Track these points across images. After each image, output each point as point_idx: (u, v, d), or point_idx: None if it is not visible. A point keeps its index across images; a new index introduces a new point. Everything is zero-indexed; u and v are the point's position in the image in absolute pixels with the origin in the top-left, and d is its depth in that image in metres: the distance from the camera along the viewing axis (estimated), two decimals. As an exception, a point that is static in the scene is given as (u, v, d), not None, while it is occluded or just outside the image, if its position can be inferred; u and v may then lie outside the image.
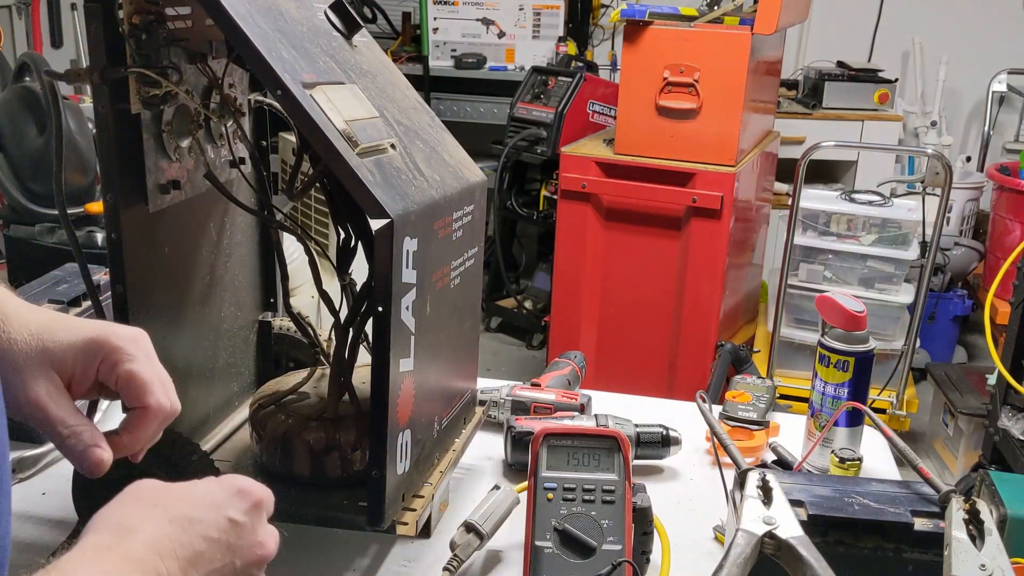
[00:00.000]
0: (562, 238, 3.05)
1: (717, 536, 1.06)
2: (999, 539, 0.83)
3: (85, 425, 0.70)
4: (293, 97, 0.82)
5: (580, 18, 4.47)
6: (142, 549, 0.57)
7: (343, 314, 0.99)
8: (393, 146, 0.92)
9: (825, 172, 3.92)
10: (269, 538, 0.65)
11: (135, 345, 0.73)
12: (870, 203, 3.09)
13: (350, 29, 1.02)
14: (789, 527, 0.82)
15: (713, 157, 2.78)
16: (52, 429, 0.70)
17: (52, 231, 3.06)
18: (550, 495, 0.92)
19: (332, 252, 1.02)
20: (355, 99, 0.92)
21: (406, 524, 0.92)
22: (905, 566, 0.90)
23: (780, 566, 0.81)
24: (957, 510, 0.86)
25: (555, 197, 3.30)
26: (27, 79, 3.15)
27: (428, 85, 4.29)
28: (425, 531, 1.05)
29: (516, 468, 1.20)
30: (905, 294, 3.06)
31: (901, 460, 1.06)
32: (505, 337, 4.06)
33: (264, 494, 0.65)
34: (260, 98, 1.09)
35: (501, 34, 4.40)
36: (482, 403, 1.23)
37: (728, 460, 0.98)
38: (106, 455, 0.70)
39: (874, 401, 2.97)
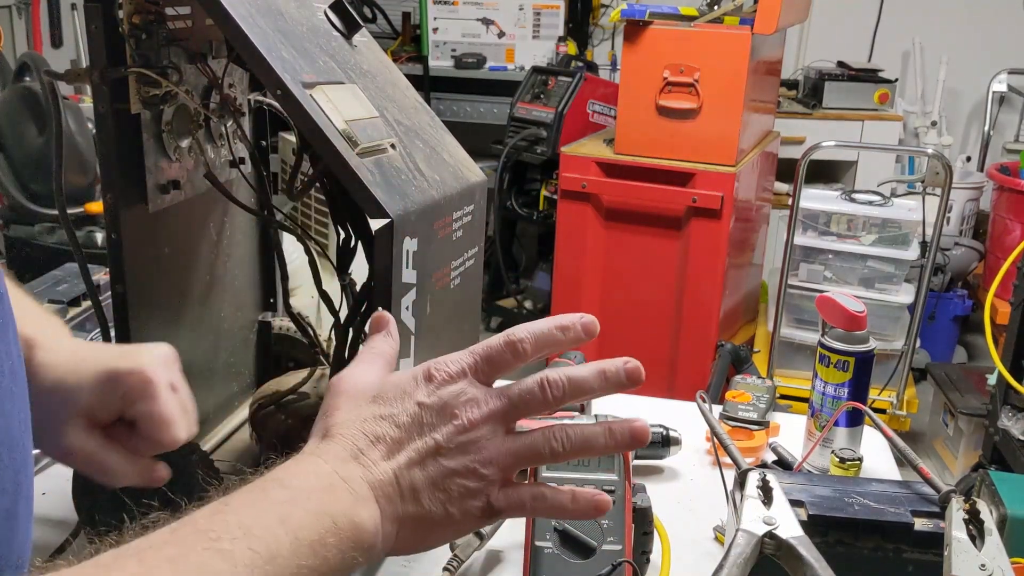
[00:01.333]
0: (562, 238, 3.05)
1: (717, 536, 1.06)
2: (999, 539, 0.83)
3: (128, 461, 0.77)
4: (293, 97, 0.82)
5: (580, 18, 4.46)
6: (338, 449, 0.63)
7: (343, 314, 0.99)
8: (393, 146, 0.92)
9: (825, 172, 3.91)
10: (469, 409, 0.65)
11: (154, 378, 0.75)
12: (870, 203, 3.09)
13: (350, 29, 1.02)
14: (789, 527, 0.82)
15: (713, 157, 2.78)
16: (105, 474, 0.76)
17: (52, 231, 3.06)
18: (550, 495, 0.92)
19: (332, 252, 1.02)
20: (355, 99, 0.92)
21: (406, 524, 0.92)
22: (905, 566, 0.90)
23: (780, 566, 0.81)
24: (957, 510, 0.86)
25: (555, 197, 3.30)
26: (27, 79, 3.16)
27: (428, 85, 4.29)
28: (425, 531, 1.05)
29: (516, 468, 1.20)
30: (905, 294, 3.06)
31: (901, 460, 1.05)
32: (505, 337, 4.05)
33: (456, 367, 0.66)
34: (260, 98, 1.09)
35: (501, 34, 4.40)
36: (482, 403, 1.23)
37: (728, 460, 0.98)
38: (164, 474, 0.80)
39: (874, 401, 2.97)
